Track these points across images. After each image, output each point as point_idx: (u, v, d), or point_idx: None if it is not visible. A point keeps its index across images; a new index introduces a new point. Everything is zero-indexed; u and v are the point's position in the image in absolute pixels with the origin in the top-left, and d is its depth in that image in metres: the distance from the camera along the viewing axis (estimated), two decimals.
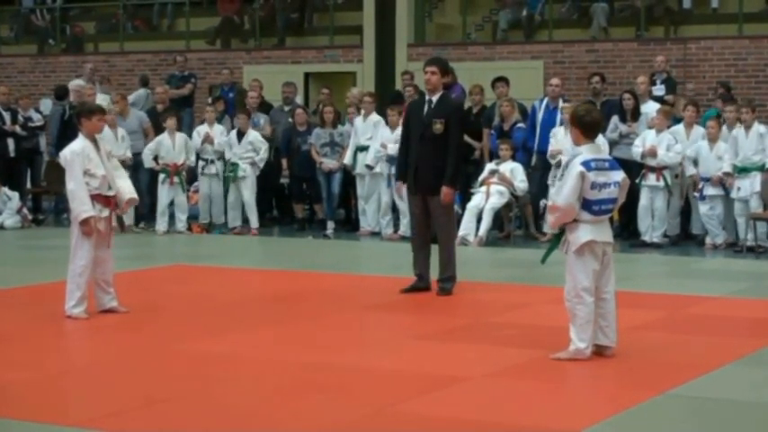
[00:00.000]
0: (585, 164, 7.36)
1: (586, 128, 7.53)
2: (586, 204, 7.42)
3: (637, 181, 14.12)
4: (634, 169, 13.76)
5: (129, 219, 15.15)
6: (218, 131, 15.91)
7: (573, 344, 7.55)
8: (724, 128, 14.17)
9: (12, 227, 16.13)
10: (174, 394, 6.81)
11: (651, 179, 14.10)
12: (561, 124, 14.43)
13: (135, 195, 9.54)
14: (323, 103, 16.43)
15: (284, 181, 16.47)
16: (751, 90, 16.91)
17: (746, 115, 13.77)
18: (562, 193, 7.43)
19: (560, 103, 14.83)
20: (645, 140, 14.17)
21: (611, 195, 7.50)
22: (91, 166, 9.10)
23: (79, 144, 9.17)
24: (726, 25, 18.09)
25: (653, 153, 14.00)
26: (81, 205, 9.03)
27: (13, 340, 8.39)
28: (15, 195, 16.44)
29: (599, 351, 7.62)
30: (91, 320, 9.05)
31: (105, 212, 9.19)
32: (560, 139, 14.22)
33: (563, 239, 7.60)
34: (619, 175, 7.61)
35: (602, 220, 7.55)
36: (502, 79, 15.75)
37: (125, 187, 9.41)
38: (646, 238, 14.15)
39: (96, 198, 9.13)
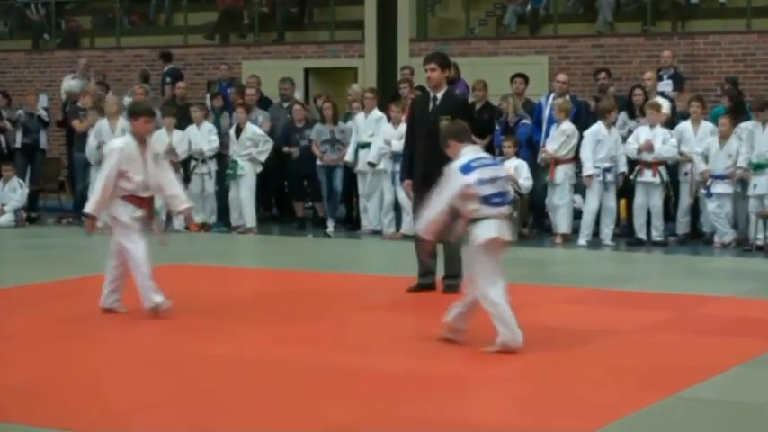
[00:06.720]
0: None
1: None
2: None
3: (631, 178, 13.96)
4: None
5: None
6: (206, 129, 15.57)
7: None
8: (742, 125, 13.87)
9: (6, 225, 15.94)
10: (174, 395, 6.79)
11: (647, 175, 13.84)
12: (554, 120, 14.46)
13: (188, 204, 9.55)
14: (321, 98, 16.15)
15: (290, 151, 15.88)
16: (759, 86, 16.76)
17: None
18: None
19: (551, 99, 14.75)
20: (638, 136, 13.95)
21: None
22: (129, 168, 8.91)
23: (123, 142, 9.04)
24: (734, 20, 17.95)
25: (649, 147, 13.78)
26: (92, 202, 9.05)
27: (11, 341, 8.37)
28: (20, 191, 16.20)
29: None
30: (89, 321, 9.02)
31: (139, 212, 9.06)
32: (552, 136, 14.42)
33: None
34: None
35: None
36: (521, 76, 15.53)
37: (179, 195, 9.34)
38: (641, 235, 13.95)
39: (129, 199, 9.00)
